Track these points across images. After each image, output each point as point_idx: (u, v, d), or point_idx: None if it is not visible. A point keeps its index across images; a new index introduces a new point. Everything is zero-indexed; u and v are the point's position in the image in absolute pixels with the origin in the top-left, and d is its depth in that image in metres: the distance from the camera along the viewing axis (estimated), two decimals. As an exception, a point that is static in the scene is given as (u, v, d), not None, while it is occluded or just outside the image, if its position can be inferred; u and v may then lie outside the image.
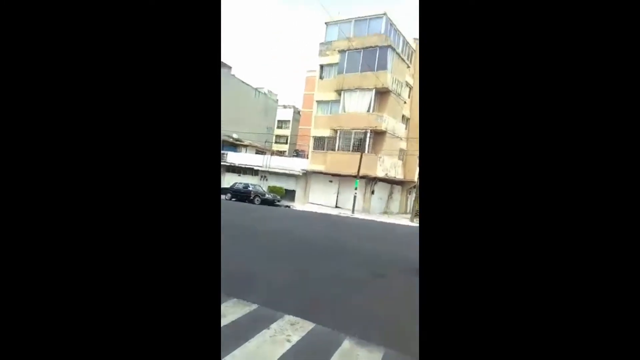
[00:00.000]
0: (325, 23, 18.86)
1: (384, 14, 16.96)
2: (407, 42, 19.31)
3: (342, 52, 17.72)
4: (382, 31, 16.84)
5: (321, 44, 19.11)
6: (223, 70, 21.92)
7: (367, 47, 16.87)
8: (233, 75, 25.23)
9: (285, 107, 35.13)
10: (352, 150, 16.67)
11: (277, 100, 31.85)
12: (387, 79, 16.34)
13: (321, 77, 19.15)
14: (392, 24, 17.48)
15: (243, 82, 25.88)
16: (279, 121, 33.30)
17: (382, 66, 16.58)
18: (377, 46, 16.67)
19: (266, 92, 30.05)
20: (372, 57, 16.75)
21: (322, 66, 19.03)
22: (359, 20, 17.69)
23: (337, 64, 17.98)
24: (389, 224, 13.78)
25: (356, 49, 17.16)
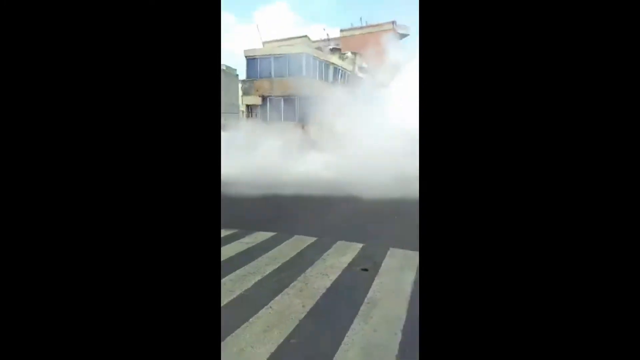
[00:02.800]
0: (245, 57, 17.79)
1: (303, 53, 16.24)
2: (335, 66, 18.63)
3: (264, 97, 17.10)
4: (304, 72, 16.18)
5: (242, 81, 18.77)
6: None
7: (287, 95, 16.32)
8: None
9: (245, 81, 33.85)
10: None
11: (237, 75, 30.64)
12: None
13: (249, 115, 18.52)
14: (314, 58, 16.74)
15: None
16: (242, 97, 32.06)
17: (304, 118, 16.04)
18: (295, 96, 16.06)
19: (224, 68, 28.80)
20: (292, 105, 16.36)
21: (248, 106, 18.33)
22: (277, 58, 16.80)
23: (261, 105, 17.31)
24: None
25: (277, 97, 16.63)
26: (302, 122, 16.12)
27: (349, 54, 21.27)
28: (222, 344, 2.19)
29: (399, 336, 2.33)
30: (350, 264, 3.78)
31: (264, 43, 21.32)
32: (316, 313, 2.66)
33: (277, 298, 2.90)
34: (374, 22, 24.52)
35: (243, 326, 2.43)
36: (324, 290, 3.07)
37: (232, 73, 29.11)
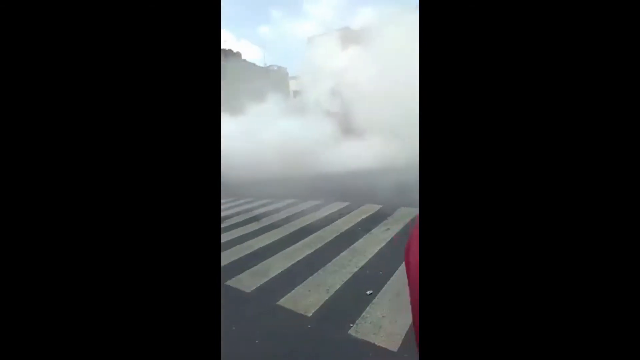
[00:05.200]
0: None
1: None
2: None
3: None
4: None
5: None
6: (234, 58, 25.96)
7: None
8: (244, 60, 28.25)
9: (294, 78, 36.47)
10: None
11: (288, 73, 33.28)
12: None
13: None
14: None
15: (253, 64, 29.03)
16: (293, 91, 34.95)
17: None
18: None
19: (276, 67, 31.84)
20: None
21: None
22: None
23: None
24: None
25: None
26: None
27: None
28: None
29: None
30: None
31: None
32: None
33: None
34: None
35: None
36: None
37: (283, 72, 32.06)
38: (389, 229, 4.91)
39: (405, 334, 2.38)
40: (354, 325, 2.57)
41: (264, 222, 6.04)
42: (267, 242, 4.88)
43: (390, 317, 2.63)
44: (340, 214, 6.08)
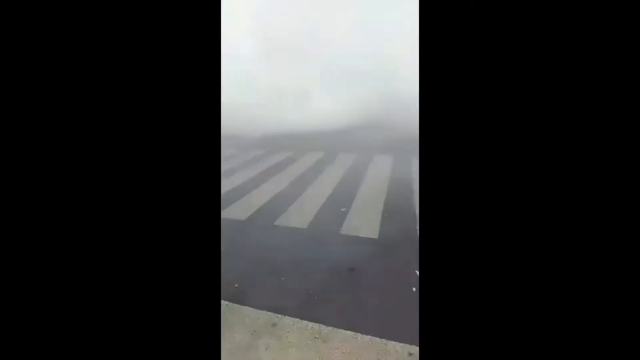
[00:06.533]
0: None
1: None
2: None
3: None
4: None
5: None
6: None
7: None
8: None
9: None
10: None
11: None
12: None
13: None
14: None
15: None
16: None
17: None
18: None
19: None
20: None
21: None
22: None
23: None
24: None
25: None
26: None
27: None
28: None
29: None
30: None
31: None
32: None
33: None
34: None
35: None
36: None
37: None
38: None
39: (379, 232, 3.46)
40: (341, 229, 3.53)
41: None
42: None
43: (365, 223, 3.67)
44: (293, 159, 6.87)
